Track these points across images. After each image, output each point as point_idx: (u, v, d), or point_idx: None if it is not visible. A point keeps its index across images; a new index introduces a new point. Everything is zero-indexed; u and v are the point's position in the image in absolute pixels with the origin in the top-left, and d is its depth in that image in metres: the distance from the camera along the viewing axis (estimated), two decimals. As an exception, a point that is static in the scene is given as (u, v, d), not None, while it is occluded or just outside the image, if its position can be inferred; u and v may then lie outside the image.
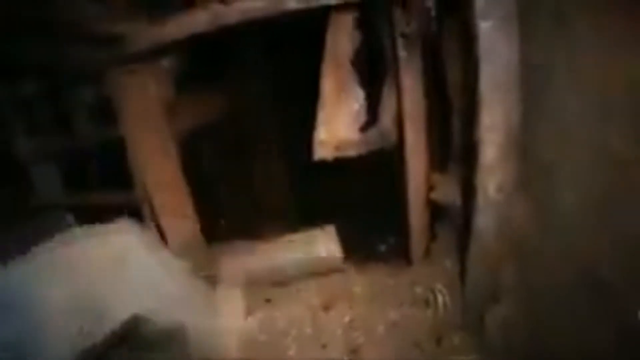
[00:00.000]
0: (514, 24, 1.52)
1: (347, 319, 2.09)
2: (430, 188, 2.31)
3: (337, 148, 2.19)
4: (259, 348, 2.07)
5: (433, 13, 2.03)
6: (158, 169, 2.75)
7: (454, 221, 2.15)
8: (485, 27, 1.54)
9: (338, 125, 2.23)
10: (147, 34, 2.38)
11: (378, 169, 2.73)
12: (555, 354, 1.71)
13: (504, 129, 1.64)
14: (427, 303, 2.06)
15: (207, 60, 3.02)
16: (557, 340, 1.70)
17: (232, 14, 2.14)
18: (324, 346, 2.00)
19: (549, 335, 1.74)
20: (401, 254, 2.52)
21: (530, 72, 1.53)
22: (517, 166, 1.68)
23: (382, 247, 2.95)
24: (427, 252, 2.38)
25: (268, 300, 2.35)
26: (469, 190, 1.84)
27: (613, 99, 1.33)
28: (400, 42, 2.10)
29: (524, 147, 1.64)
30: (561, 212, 1.59)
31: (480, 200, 1.78)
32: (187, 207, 2.88)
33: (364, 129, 2.26)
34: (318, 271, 2.52)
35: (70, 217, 3.21)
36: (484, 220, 1.81)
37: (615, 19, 1.30)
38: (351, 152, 2.20)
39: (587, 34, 1.35)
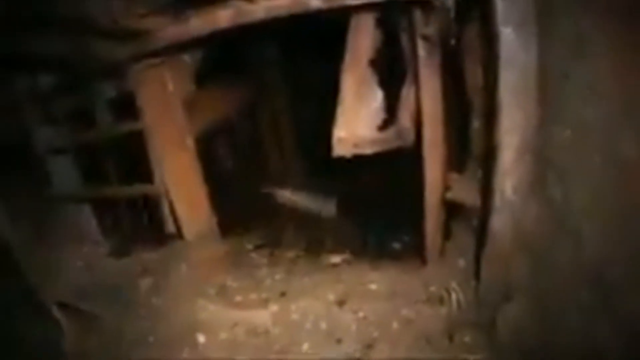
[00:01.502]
0: (532, 31, 1.61)
1: (361, 314, 2.19)
2: (447, 188, 2.40)
3: (356, 145, 2.26)
4: (273, 341, 2.19)
5: (452, 15, 2.11)
6: (176, 162, 2.88)
7: (470, 221, 2.24)
8: (505, 33, 1.63)
9: (357, 123, 2.31)
10: (171, 29, 2.50)
11: (395, 168, 2.82)
12: (564, 354, 1.80)
13: (521, 132, 1.73)
14: (440, 301, 2.15)
15: (227, 57, 3.13)
16: (566, 341, 1.79)
17: (255, 12, 2.25)
18: (338, 341, 2.11)
19: (558, 335, 1.83)
20: (416, 253, 2.62)
21: (547, 78, 1.62)
22: (533, 169, 1.77)
23: (397, 246, 3.07)
24: (442, 251, 2.47)
25: (283, 294, 2.47)
26: (486, 191, 1.94)
27: (626, 109, 1.42)
28: (420, 42, 2.20)
29: (539, 150, 1.73)
30: (573, 215, 1.68)
31: (497, 201, 1.87)
32: (203, 200, 3.01)
33: (382, 127, 2.35)
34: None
35: (87, 209, 3.36)
36: (499, 221, 1.90)
37: (632, 33, 1.39)
38: (369, 150, 2.27)
39: (604, 45, 1.44)
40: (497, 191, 1.84)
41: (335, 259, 2.92)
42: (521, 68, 1.66)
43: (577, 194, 1.67)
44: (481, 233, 2.01)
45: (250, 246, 3.24)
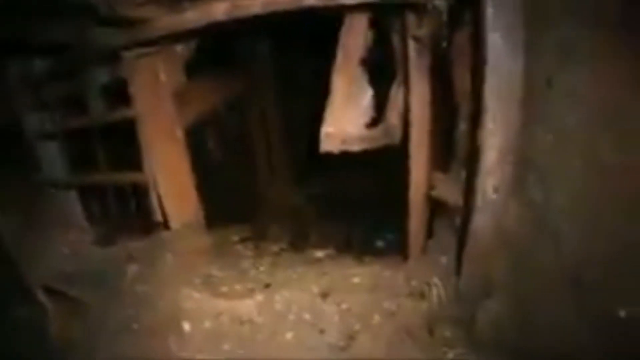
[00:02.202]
0: (520, 37, 1.71)
1: (344, 306, 2.27)
2: (431, 187, 2.50)
3: (343, 142, 2.33)
4: (257, 330, 2.26)
5: (445, 18, 2.20)
6: (164, 152, 2.93)
7: (452, 220, 2.33)
8: (492, 38, 1.72)
9: (345, 120, 2.38)
10: (166, 19, 2.55)
11: (381, 166, 2.91)
12: (541, 350, 1.91)
13: (504, 135, 1.82)
14: (422, 296, 2.24)
15: (218, 49, 3.19)
16: (543, 338, 1.90)
17: (251, 7, 2.32)
18: (321, 331, 2.19)
19: (536, 331, 1.93)
20: (399, 250, 2.72)
21: (531, 83, 1.72)
22: (514, 170, 1.87)
23: (381, 243, 3.16)
24: (424, 249, 2.57)
25: (267, 285, 2.54)
26: (468, 190, 2.04)
27: (606, 114, 1.53)
28: (411, 44, 2.29)
29: (521, 152, 1.83)
30: (552, 216, 1.79)
31: (479, 200, 1.96)
32: (190, 190, 3.06)
33: (370, 125, 2.44)
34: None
35: (74, 196, 3.40)
36: (481, 219, 1.99)
37: (615, 42, 1.50)
38: (356, 147, 2.35)
39: (587, 52, 1.54)
40: (479, 191, 1.94)
41: (319, 253, 3.00)
42: (507, 73, 1.75)
43: (556, 196, 1.77)
44: (463, 231, 2.11)
45: (235, 238, 3.32)
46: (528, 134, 1.79)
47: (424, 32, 2.23)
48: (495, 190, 1.93)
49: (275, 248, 3.18)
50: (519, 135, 1.82)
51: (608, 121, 1.59)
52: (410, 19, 2.23)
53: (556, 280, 1.82)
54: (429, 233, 2.57)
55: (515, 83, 1.76)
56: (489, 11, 1.72)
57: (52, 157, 3.39)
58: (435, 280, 2.27)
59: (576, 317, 1.78)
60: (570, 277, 1.77)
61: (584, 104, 1.64)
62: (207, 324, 2.31)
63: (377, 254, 2.89)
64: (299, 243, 3.25)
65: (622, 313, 1.58)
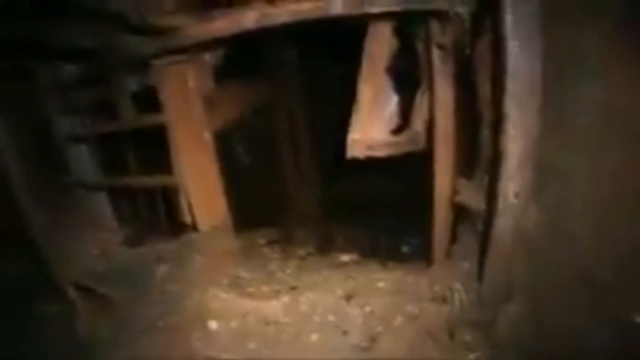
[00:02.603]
0: (538, 44, 1.78)
1: (367, 309, 2.35)
2: (455, 192, 2.57)
3: (369, 148, 2.43)
4: (282, 330, 2.37)
5: (467, 25, 2.28)
6: (193, 156, 3.06)
7: (475, 225, 2.40)
8: (512, 45, 1.80)
9: (372, 127, 2.48)
10: (196, 28, 2.69)
11: (406, 173, 2.99)
12: (559, 353, 1.97)
13: (524, 140, 1.89)
14: (444, 300, 2.31)
15: (246, 56, 3.34)
16: (561, 341, 1.95)
17: (279, 15, 2.44)
18: (344, 333, 2.28)
19: (553, 334, 1.99)
20: (423, 255, 2.79)
21: (549, 88, 1.80)
22: (533, 175, 1.94)
23: (406, 248, 3.24)
24: (448, 254, 2.64)
25: (293, 287, 2.64)
26: (491, 195, 2.11)
27: (619, 119, 1.59)
28: (435, 51, 2.38)
29: (540, 157, 1.90)
30: (568, 219, 1.86)
31: (501, 205, 2.04)
32: (218, 194, 3.20)
33: (396, 131, 2.53)
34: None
35: (104, 198, 3.59)
36: (502, 224, 2.06)
37: (630, 47, 1.56)
38: (382, 153, 2.45)
39: (603, 58, 1.61)
40: (500, 196, 2.01)
41: (345, 257, 3.10)
42: (526, 79, 1.82)
43: (572, 199, 1.84)
44: (485, 235, 2.18)
45: (262, 241, 3.45)
46: (545, 139, 1.86)
47: (447, 39, 2.31)
48: (516, 195, 2.00)
49: (301, 252, 3.30)
50: (538, 141, 1.89)
51: (620, 126, 1.66)
52: (434, 26, 2.32)
53: (573, 284, 1.88)
54: (453, 238, 2.65)
55: (534, 90, 1.83)
56: (508, 19, 1.79)
57: (82, 160, 3.58)
58: (458, 285, 2.33)
59: (592, 320, 1.84)
60: (585, 281, 1.84)
61: (598, 109, 1.71)
62: (234, 324, 2.43)
63: (402, 259, 2.97)
64: (325, 247, 3.36)
65: (637, 317, 1.63)
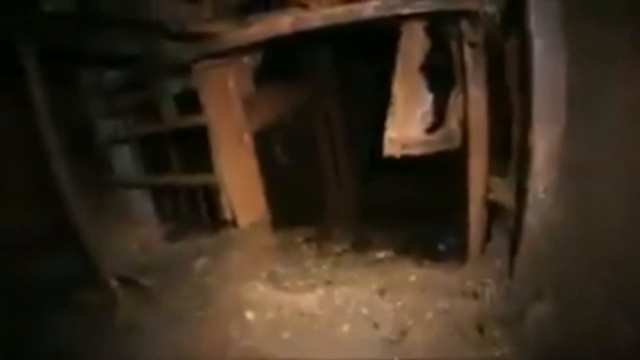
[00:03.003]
0: (562, 42, 1.86)
1: (399, 303, 2.46)
2: (489, 190, 2.64)
3: (405, 146, 2.55)
4: (316, 322, 2.51)
5: (497, 23, 2.35)
6: (233, 155, 3.25)
7: (508, 222, 2.47)
8: (537, 44, 1.88)
9: (407, 126, 2.59)
10: (234, 34, 2.89)
11: (444, 173, 3.07)
12: (586, 351, 2.01)
13: (551, 137, 1.96)
14: (475, 295, 2.40)
15: (284, 59, 3.50)
16: (588, 338, 1.99)
17: (313, 20, 2.59)
18: (376, 325, 2.39)
19: (581, 334, 2.03)
20: (457, 253, 2.87)
21: (573, 86, 1.86)
22: (561, 171, 2.00)
23: (441, 247, 3.32)
24: (482, 252, 2.71)
25: (329, 282, 2.78)
26: (520, 191, 2.18)
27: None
28: (467, 50, 2.47)
29: (568, 154, 1.96)
30: (598, 216, 1.91)
31: (530, 201, 2.11)
32: (257, 192, 3.38)
33: (431, 130, 2.63)
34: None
35: (146, 194, 3.84)
36: (532, 220, 2.14)
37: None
38: (418, 151, 2.55)
39: (628, 58, 1.67)
40: (529, 192, 2.09)
41: (380, 255, 3.22)
42: (552, 77, 1.90)
43: (601, 196, 1.89)
44: (515, 231, 2.26)
45: (299, 239, 3.61)
46: (573, 136, 1.93)
47: (478, 38, 2.40)
48: (545, 191, 2.07)
49: (337, 249, 3.42)
50: (565, 138, 1.96)
51: None
52: (465, 25, 2.41)
53: (598, 279, 1.93)
54: (488, 237, 2.72)
55: (560, 87, 1.90)
56: (533, 18, 1.88)
57: (125, 160, 3.84)
58: (489, 281, 2.41)
59: (620, 320, 1.88)
60: (610, 277, 1.88)
61: (624, 104, 1.76)
62: (269, 315, 2.59)
63: (437, 257, 3.05)
64: (360, 245, 3.47)
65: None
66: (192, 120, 3.22)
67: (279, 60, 3.37)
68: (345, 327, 2.42)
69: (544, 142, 1.99)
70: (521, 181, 2.18)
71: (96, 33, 2.82)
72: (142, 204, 3.91)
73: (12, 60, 2.66)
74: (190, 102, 3.19)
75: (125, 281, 3.05)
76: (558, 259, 2.08)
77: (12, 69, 2.70)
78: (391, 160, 2.56)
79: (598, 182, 1.86)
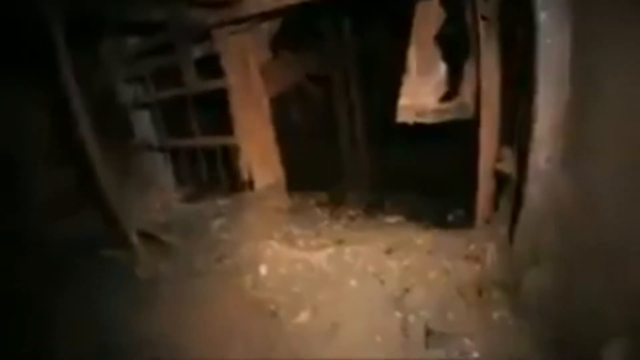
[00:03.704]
0: (566, 15, 1.99)
1: (405, 262, 2.67)
2: (498, 160, 2.81)
3: (418, 114, 2.72)
4: (325, 276, 2.75)
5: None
6: (251, 119, 3.47)
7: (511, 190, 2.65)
8: (542, 17, 2.02)
9: (420, 94, 2.76)
10: (255, 1, 3.06)
11: (459, 144, 3.25)
12: (579, 318, 2.20)
13: (554, 109, 2.12)
14: (477, 259, 2.60)
15: (303, 26, 3.67)
16: (582, 306, 2.18)
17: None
18: (381, 282, 2.61)
19: (576, 300, 2.22)
20: (465, 220, 3.07)
21: (579, 59, 2.02)
22: (564, 142, 2.17)
23: (451, 217, 3.52)
24: (489, 220, 2.90)
25: (339, 242, 3.00)
26: (522, 161, 2.36)
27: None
28: (480, 23, 2.61)
29: (570, 126, 2.13)
30: (597, 188, 2.07)
31: (532, 171, 2.29)
32: (274, 156, 3.60)
33: (444, 99, 2.80)
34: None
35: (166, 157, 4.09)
36: (533, 189, 2.31)
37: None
38: (430, 119, 2.72)
39: (633, 30, 1.81)
40: (532, 160, 2.26)
41: (391, 219, 3.44)
42: (555, 51, 2.04)
43: (602, 170, 2.05)
44: (516, 199, 2.44)
45: (313, 202, 3.85)
46: (575, 109, 2.09)
47: (490, 10, 2.55)
48: (548, 161, 2.24)
49: (350, 213, 3.66)
50: (568, 110, 2.12)
51: None
52: (478, -1, 2.56)
53: (598, 251, 2.11)
54: (496, 206, 2.90)
55: (563, 60, 2.04)
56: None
57: (146, 124, 4.10)
58: (491, 246, 2.61)
59: (612, 287, 2.06)
60: (610, 248, 2.06)
61: (633, 78, 1.91)
62: (282, 270, 2.84)
63: (446, 225, 3.25)
64: (372, 210, 3.69)
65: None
66: (213, 84, 3.43)
67: (297, 27, 3.54)
68: (353, 282, 2.65)
69: (547, 112, 2.14)
70: (523, 151, 2.35)
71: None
72: (162, 166, 4.19)
73: (39, 27, 2.88)
74: (208, 67, 3.41)
75: (147, 237, 3.31)
76: (558, 229, 2.25)
77: (39, 36, 2.93)
78: (407, 127, 2.73)
79: (603, 156, 2.01)
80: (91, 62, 3.71)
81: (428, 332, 2.35)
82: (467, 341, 2.29)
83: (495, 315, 2.37)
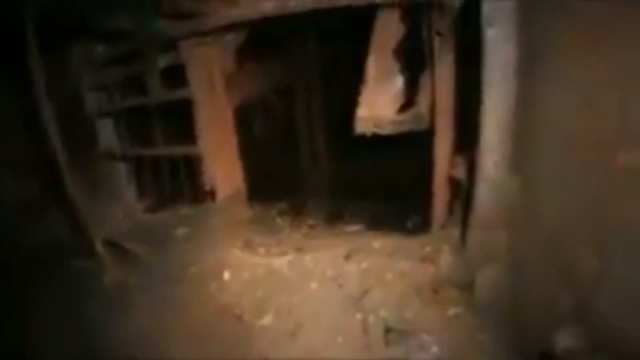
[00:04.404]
0: (512, 31, 2.26)
1: (363, 265, 2.85)
2: (452, 167, 3.05)
3: (376, 125, 2.90)
4: (286, 281, 2.91)
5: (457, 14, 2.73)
6: (215, 129, 3.61)
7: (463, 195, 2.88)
8: (488, 32, 2.29)
9: (378, 105, 2.94)
10: (221, 14, 3.25)
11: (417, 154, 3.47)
12: (528, 310, 2.43)
13: (501, 115, 2.37)
14: (432, 261, 2.80)
15: (267, 38, 3.87)
16: (532, 300, 2.42)
17: (295, 4, 2.98)
18: (340, 285, 2.77)
19: (526, 295, 2.45)
20: (422, 227, 3.28)
21: (523, 68, 2.28)
22: (510, 147, 2.42)
23: (409, 224, 3.73)
24: (444, 225, 3.13)
25: (299, 249, 3.16)
26: (471, 166, 2.59)
27: (581, 96, 2.06)
28: (435, 38, 2.86)
29: (516, 131, 2.38)
30: (540, 188, 2.32)
31: (481, 174, 2.52)
32: (236, 166, 3.76)
33: (401, 110, 3.01)
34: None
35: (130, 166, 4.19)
36: (483, 192, 2.55)
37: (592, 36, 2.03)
38: (387, 130, 2.92)
39: (570, 41, 2.07)
40: (480, 166, 2.50)
41: (351, 228, 3.63)
42: (501, 60, 2.30)
43: (542, 169, 2.31)
44: (466, 203, 2.67)
45: (274, 212, 4.02)
46: (519, 116, 2.34)
47: (445, 27, 2.79)
48: (495, 165, 2.48)
49: (310, 222, 3.84)
50: (513, 118, 2.37)
51: (583, 103, 2.11)
52: (434, 15, 2.81)
53: (543, 245, 2.35)
54: (450, 210, 3.13)
55: (508, 68, 2.30)
56: (485, 8, 2.30)
57: (109, 133, 4.20)
58: (446, 248, 2.82)
59: (560, 278, 2.30)
60: (554, 242, 2.30)
61: (568, 86, 2.16)
62: (245, 275, 2.98)
63: (404, 232, 3.46)
64: (332, 219, 3.88)
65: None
66: (177, 94, 3.57)
67: (261, 38, 3.73)
68: (313, 286, 2.82)
69: (493, 119, 2.38)
70: (472, 157, 2.59)
71: (95, 9, 3.17)
72: (126, 177, 4.28)
73: (11, 33, 2.98)
74: (171, 77, 3.56)
75: (112, 245, 3.41)
76: (507, 227, 2.49)
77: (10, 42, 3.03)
78: (367, 140, 2.93)
79: (541, 156, 2.27)
80: (59, 68, 3.80)
81: (388, 330, 2.53)
82: (425, 337, 2.48)
83: (451, 312, 2.58)
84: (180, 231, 3.46)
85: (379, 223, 3.65)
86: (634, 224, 1.98)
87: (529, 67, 2.29)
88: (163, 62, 3.65)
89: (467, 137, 2.78)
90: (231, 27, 3.30)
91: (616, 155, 1.94)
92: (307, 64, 4.36)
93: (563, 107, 2.19)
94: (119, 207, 4.03)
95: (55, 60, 3.61)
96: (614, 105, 1.93)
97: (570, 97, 2.16)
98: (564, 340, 2.18)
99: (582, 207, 2.18)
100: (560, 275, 2.29)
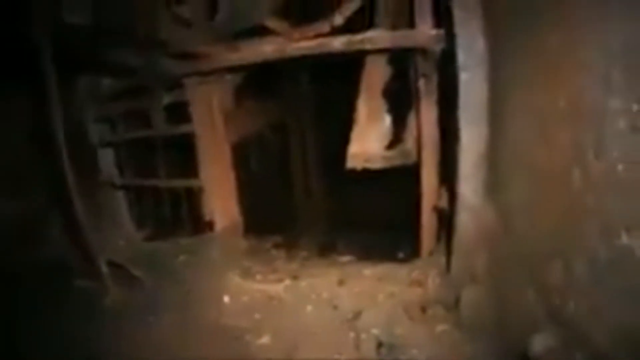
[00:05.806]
0: (484, 73, 2.72)
1: (356, 289, 3.22)
2: (439, 198, 3.45)
3: (366, 160, 3.26)
4: (284, 304, 3.27)
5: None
6: (214, 163, 4.02)
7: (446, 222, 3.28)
8: (463, 75, 2.74)
9: (368, 142, 3.33)
10: (222, 56, 3.71)
11: (407, 188, 3.89)
12: (511, 324, 2.78)
13: (476, 148, 2.79)
14: (420, 284, 3.19)
15: (264, 78, 4.35)
16: (511, 317, 2.76)
17: (292, 49, 3.45)
18: (334, 307, 3.12)
19: (507, 310, 2.82)
20: (413, 256, 3.67)
21: (494, 107, 2.73)
22: (487, 177, 2.84)
23: (400, 255, 4.12)
24: (432, 252, 3.52)
25: (295, 277, 3.54)
26: (452, 195, 3.01)
27: (541, 131, 2.49)
28: (420, 80, 3.32)
29: (490, 162, 2.81)
30: (514, 215, 2.72)
31: (460, 202, 2.93)
32: (233, 199, 4.15)
33: (390, 147, 3.43)
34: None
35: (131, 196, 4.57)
36: (463, 219, 2.95)
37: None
38: (378, 165, 3.29)
39: (536, 82, 2.51)
40: (459, 194, 2.92)
41: (343, 259, 4.02)
42: (474, 100, 2.75)
43: (515, 194, 2.69)
44: (448, 230, 3.08)
45: (269, 244, 4.41)
46: (493, 147, 2.78)
47: (429, 70, 3.25)
48: (474, 192, 2.90)
49: (304, 254, 4.22)
50: (488, 149, 2.81)
51: (541, 134, 2.49)
52: (419, 60, 3.27)
53: (517, 262, 2.70)
54: (437, 238, 3.52)
55: (482, 108, 2.74)
56: (460, 54, 2.77)
57: (109, 163, 4.62)
58: (433, 272, 3.21)
59: (535, 290, 2.66)
60: (526, 258, 2.67)
61: (525, 121, 2.56)
62: (244, 299, 3.34)
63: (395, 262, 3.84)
64: (325, 252, 4.27)
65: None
66: (181, 129, 4.00)
67: (259, 79, 4.19)
68: (309, 308, 3.18)
69: (470, 150, 2.81)
70: (452, 186, 3.01)
71: (108, 45, 3.61)
72: (125, 206, 4.66)
73: (31, 63, 3.36)
74: (177, 113, 4.00)
75: (116, 267, 3.74)
76: (486, 248, 2.87)
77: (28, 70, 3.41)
78: (359, 173, 3.26)
79: (512, 183, 2.68)
80: (67, 98, 4.16)
81: (379, 345, 2.87)
82: (414, 351, 2.81)
83: (439, 328, 2.89)
84: (181, 259, 3.82)
85: (370, 253, 4.04)
86: (593, 240, 2.35)
87: (497, 104, 2.73)
88: (168, 98, 4.10)
89: (448, 170, 3.22)
90: (233, 68, 3.75)
91: (571, 180, 2.32)
92: (302, 103, 4.86)
93: (525, 138, 2.57)
94: (120, 234, 4.38)
95: (62, 89, 3.99)
96: (566, 136, 2.33)
97: (531, 129, 2.53)
98: (541, 342, 2.52)
99: (549, 227, 2.54)
100: (534, 288, 2.65)
